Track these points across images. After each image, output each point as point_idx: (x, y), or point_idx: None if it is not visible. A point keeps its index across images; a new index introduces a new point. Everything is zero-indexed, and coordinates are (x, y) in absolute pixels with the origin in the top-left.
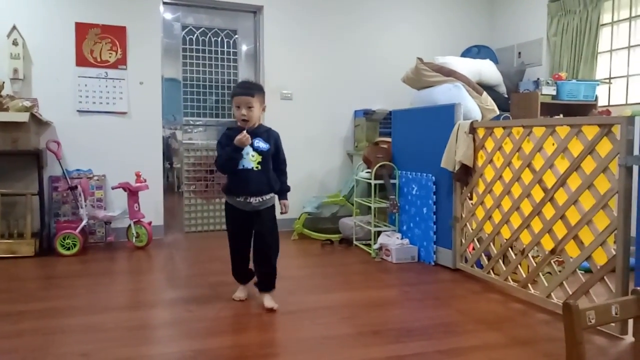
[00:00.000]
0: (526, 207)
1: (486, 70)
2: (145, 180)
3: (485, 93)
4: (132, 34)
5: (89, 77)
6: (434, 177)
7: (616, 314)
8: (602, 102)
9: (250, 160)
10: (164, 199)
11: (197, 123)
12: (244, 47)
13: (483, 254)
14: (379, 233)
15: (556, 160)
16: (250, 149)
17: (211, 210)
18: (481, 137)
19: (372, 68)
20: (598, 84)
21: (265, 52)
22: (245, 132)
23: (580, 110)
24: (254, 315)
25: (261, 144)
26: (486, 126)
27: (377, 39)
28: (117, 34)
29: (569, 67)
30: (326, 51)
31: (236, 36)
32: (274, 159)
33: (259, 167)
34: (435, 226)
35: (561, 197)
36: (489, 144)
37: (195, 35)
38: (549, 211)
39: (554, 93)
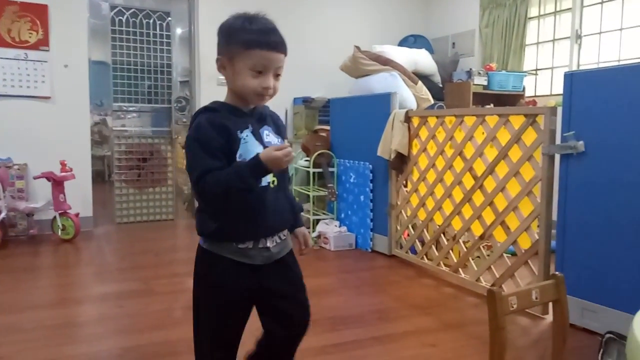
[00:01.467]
0: (457, 195)
1: (422, 59)
2: (71, 170)
3: (420, 82)
4: (54, 13)
5: (6, 59)
6: (371, 166)
7: (536, 298)
8: (529, 92)
9: None
10: (93, 188)
11: (130, 109)
12: (178, 30)
13: (417, 240)
14: (317, 221)
15: (485, 149)
16: (260, 146)
17: (144, 200)
18: (416, 126)
19: (312, 55)
20: (525, 75)
21: (200, 36)
22: (288, 146)
23: (509, 100)
24: (188, 309)
25: (272, 136)
26: (420, 115)
27: (317, 25)
28: (37, 13)
29: (500, 58)
30: None
31: (169, 18)
32: None
33: (276, 182)
34: (372, 213)
35: (490, 184)
36: (423, 133)
37: (125, 16)
38: (478, 198)
39: (485, 83)
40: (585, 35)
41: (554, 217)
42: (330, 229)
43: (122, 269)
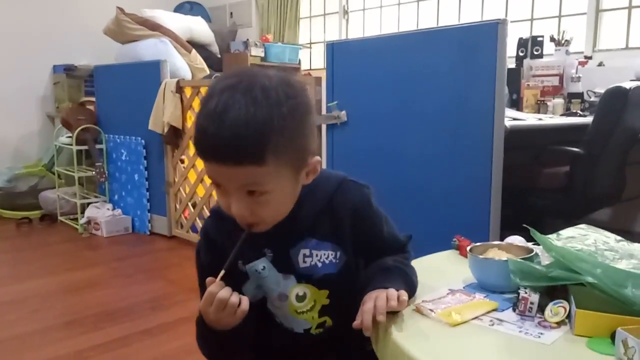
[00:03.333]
0: None
1: (197, 28)
2: None
3: (194, 51)
4: None
5: None
6: (143, 141)
7: None
8: (305, 65)
9: (297, 313)
10: None
11: None
12: None
13: (198, 218)
14: (87, 205)
15: None
16: (288, 278)
17: None
18: (188, 96)
19: (76, 16)
20: (300, 48)
21: None
22: (220, 284)
23: (287, 72)
24: None
25: (320, 253)
26: (193, 85)
27: None
28: None
29: (276, 31)
30: None
31: None
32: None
33: (330, 324)
34: (148, 193)
35: None
36: (197, 104)
37: None
38: None
39: (263, 55)
40: (351, 11)
41: None
42: (101, 212)
43: None
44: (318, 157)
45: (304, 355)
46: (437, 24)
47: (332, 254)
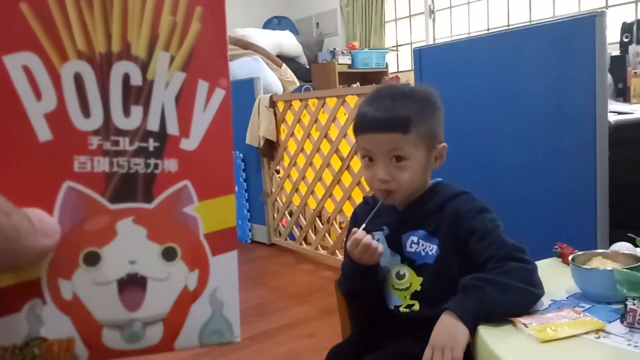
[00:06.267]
0: (327, 177)
1: (286, 42)
2: None
3: (284, 65)
4: None
5: None
6: (241, 154)
7: None
8: (392, 69)
9: (393, 288)
10: None
11: None
12: None
13: (295, 226)
14: None
15: (349, 129)
16: (395, 256)
17: None
18: (281, 110)
19: None
20: (387, 52)
21: None
22: (363, 233)
23: (374, 77)
24: None
25: (421, 245)
26: (285, 99)
27: None
28: None
29: (362, 37)
30: None
31: None
32: (466, 258)
33: (417, 309)
34: (247, 203)
35: (356, 164)
36: (289, 117)
37: None
38: (347, 179)
39: (350, 62)
40: (437, 10)
41: None
42: None
43: None
44: (445, 144)
45: (388, 330)
46: (530, 17)
47: (434, 248)
